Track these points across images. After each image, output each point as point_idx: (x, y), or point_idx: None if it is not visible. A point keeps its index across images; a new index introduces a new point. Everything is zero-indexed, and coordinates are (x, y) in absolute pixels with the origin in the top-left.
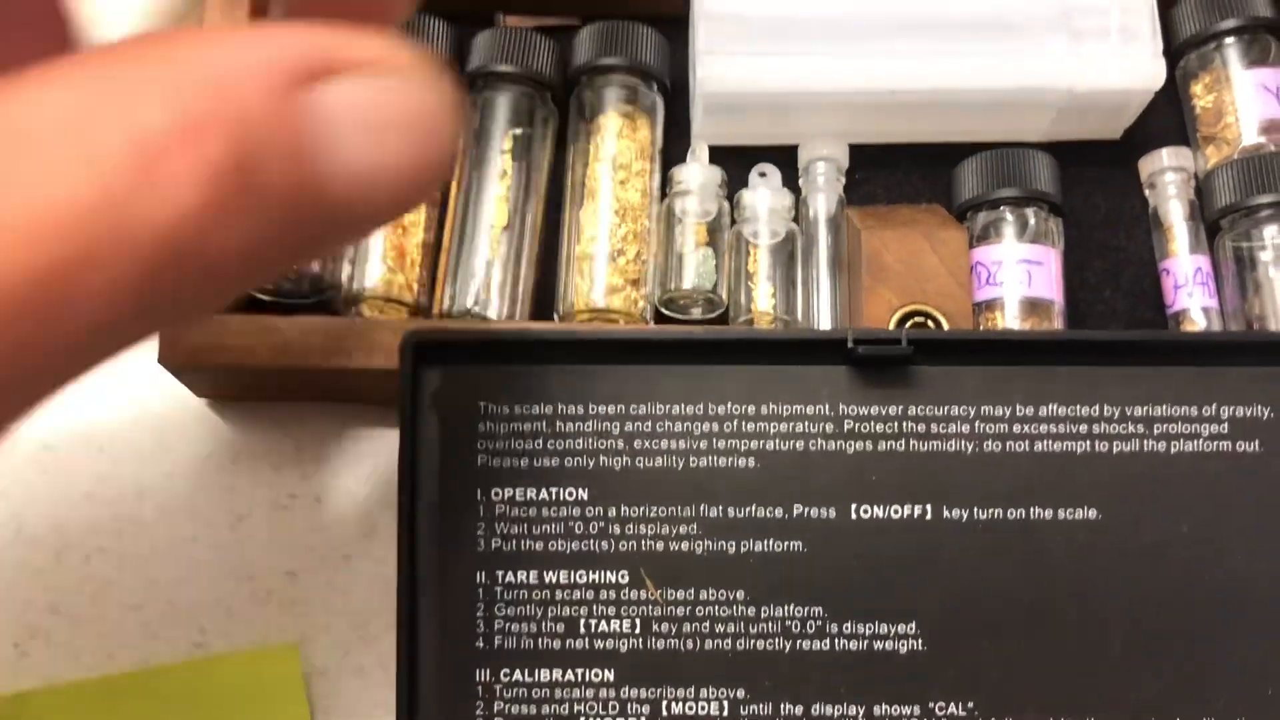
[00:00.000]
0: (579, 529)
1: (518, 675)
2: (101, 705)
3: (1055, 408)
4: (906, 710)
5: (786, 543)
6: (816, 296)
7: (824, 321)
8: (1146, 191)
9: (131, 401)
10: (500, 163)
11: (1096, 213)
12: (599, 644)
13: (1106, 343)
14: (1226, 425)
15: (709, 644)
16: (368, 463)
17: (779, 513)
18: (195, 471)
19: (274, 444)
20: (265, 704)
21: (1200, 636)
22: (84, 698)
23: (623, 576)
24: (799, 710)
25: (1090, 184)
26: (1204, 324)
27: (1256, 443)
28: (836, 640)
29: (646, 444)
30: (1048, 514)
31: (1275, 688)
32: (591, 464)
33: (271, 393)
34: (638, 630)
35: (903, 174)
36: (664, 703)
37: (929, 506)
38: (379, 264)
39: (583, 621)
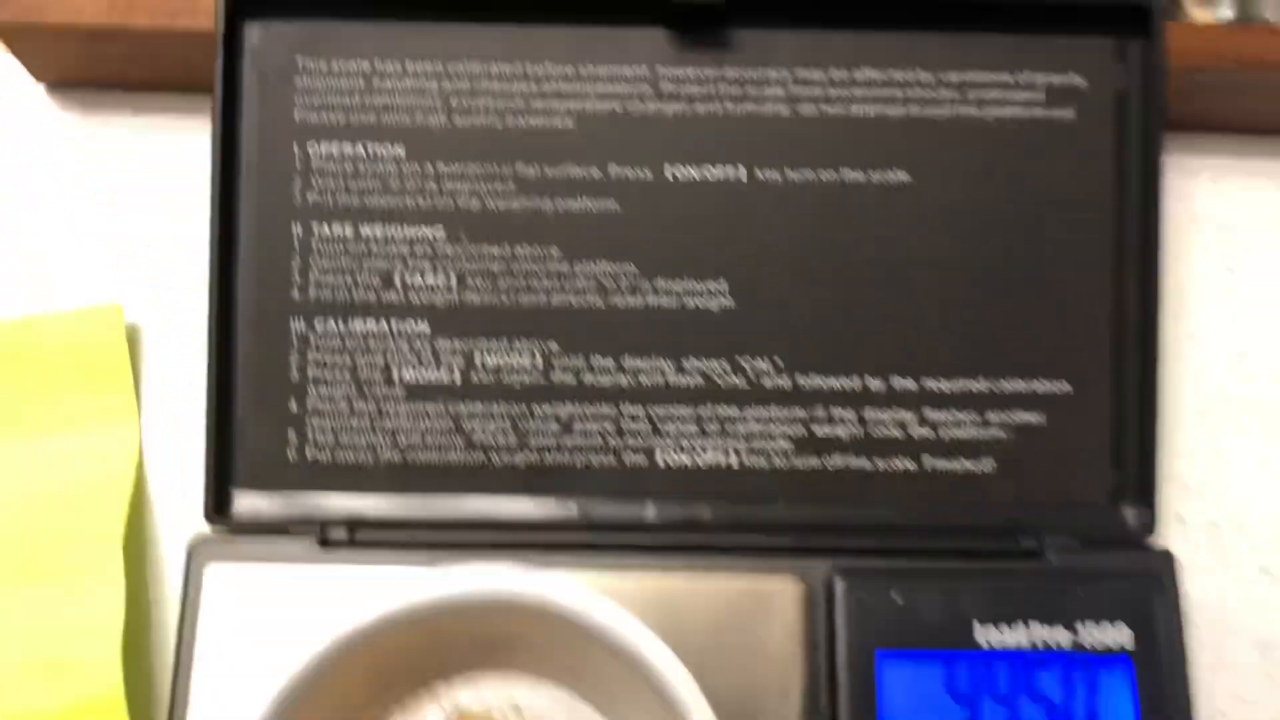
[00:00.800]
0: (395, 184)
1: (333, 326)
2: None
3: (870, 72)
4: (715, 364)
5: (601, 202)
6: None
7: None
8: None
9: None
10: None
11: None
12: (414, 297)
13: (922, 6)
14: (1042, 93)
15: (523, 299)
16: (202, 143)
17: (595, 172)
18: (32, 151)
19: (111, 127)
20: (89, 365)
21: (1011, 299)
22: None
23: (438, 231)
24: (610, 363)
25: None
26: None
27: (1071, 111)
28: (648, 296)
29: (464, 102)
30: (859, 176)
31: (1080, 349)
32: (409, 120)
33: (112, 78)
34: (453, 284)
35: None
36: (478, 354)
37: (743, 168)
38: None
39: (398, 275)
